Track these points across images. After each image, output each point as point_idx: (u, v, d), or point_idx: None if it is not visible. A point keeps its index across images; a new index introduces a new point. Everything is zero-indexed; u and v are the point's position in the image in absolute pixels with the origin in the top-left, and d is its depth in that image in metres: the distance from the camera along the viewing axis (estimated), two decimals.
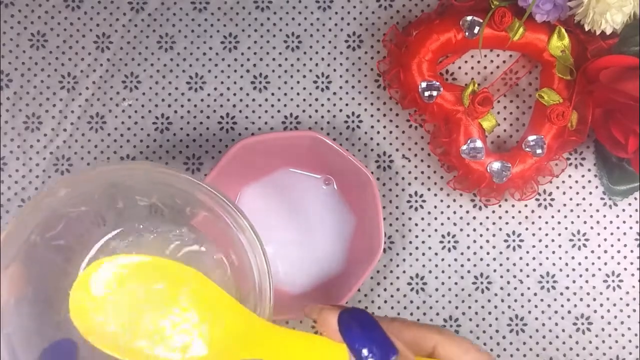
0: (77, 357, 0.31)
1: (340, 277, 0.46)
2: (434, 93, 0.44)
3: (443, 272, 0.48)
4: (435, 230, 0.48)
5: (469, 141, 0.44)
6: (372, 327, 0.29)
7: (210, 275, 0.32)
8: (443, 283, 0.48)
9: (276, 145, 0.44)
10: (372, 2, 0.49)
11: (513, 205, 0.48)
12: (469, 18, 0.44)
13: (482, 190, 0.46)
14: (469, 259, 0.48)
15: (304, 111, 0.48)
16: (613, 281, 0.48)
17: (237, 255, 0.35)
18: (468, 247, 0.48)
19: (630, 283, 0.48)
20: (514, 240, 0.48)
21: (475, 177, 0.45)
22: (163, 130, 0.48)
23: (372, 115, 0.48)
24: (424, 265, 0.48)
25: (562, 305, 0.48)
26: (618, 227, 0.48)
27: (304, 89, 0.48)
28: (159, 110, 0.48)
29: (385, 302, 0.48)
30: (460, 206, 0.48)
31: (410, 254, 0.48)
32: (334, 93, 0.48)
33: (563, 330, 0.48)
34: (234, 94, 0.48)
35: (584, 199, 0.48)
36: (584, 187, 0.49)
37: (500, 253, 0.48)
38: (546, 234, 0.48)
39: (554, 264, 0.48)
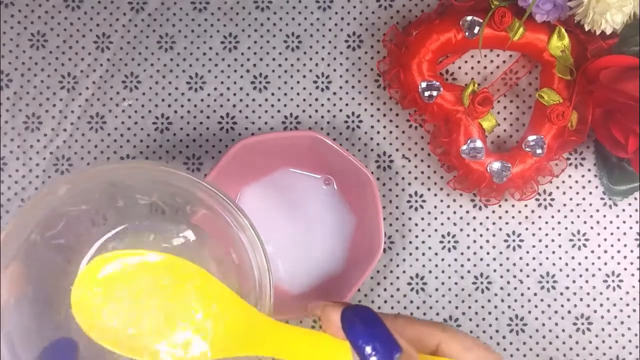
0: (77, 356, 0.31)
1: (340, 277, 0.46)
2: (434, 93, 0.44)
3: (443, 272, 0.48)
4: (435, 230, 0.48)
5: (469, 141, 0.44)
6: (376, 324, 0.28)
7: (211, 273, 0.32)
8: (443, 283, 0.48)
9: (276, 145, 0.44)
10: (372, 2, 0.49)
11: (513, 205, 0.48)
12: (469, 18, 0.44)
13: (482, 190, 0.46)
14: (469, 259, 0.48)
15: (304, 111, 0.48)
16: (613, 281, 0.48)
17: (238, 254, 0.35)
18: (468, 247, 0.48)
19: (630, 283, 0.48)
20: (514, 240, 0.48)
21: (475, 177, 0.45)
22: (163, 130, 0.48)
23: (372, 115, 0.49)
24: (424, 265, 0.48)
25: (562, 305, 0.48)
26: (618, 227, 0.48)
27: (304, 89, 0.48)
28: (159, 110, 0.48)
29: (385, 302, 0.48)
30: (460, 206, 0.48)
31: (410, 254, 0.48)
32: (334, 93, 0.49)
33: (563, 330, 0.48)
34: (234, 94, 0.48)
35: (584, 199, 0.48)
36: (584, 187, 0.49)
37: (500, 253, 0.48)
38: (546, 234, 0.48)
39: (554, 264, 0.48)
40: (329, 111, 0.48)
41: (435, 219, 0.48)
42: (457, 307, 0.48)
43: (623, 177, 0.47)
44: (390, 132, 0.49)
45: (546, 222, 0.48)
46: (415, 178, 0.49)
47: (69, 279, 0.34)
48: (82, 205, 0.36)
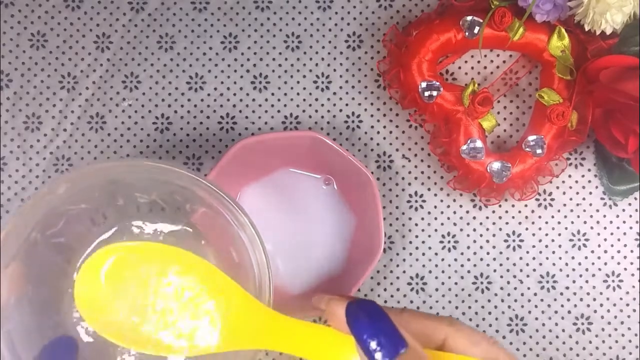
0: (77, 354, 0.31)
1: (340, 277, 0.46)
2: (434, 93, 0.44)
3: (443, 272, 0.48)
4: (435, 230, 0.48)
5: (469, 141, 0.44)
6: (381, 318, 0.28)
7: None
8: (443, 283, 0.48)
9: (276, 145, 0.44)
10: (372, 2, 0.49)
11: (513, 205, 0.48)
12: (469, 18, 0.44)
13: (482, 190, 0.46)
14: (469, 259, 0.48)
15: (304, 111, 0.48)
16: (613, 281, 0.48)
17: (237, 252, 0.35)
18: (468, 247, 0.48)
19: (630, 283, 0.48)
20: (514, 240, 0.48)
21: (475, 177, 0.45)
22: (163, 130, 0.48)
23: (372, 115, 0.48)
24: (424, 265, 0.48)
25: (562, 305, 0.48)
26: (618, 227, 0.48)
27: (304, 89, 0.48)
28: (159, 110, 0.48)
29: (385, 302, 0.48)
30: (460, 206, 0.48)
31: (410, 254, 0.48)
32: (334, 93, 0.49)
33: (563, 330, 0.48)
34: (234, 94, 0.48)
35: (584, 199, 0.48)
36: (584, 187, 0.49)
37: (500, 253, 0.48)
38: (546, 234, 0.48)
39: (554, 264, 0.48)
40: (329, 111, 0.48)
41: (435, 219, 0.48)
42: (457, 307, 0.48)
43: (623, 177, 0.47)
44: (390, 132, 0.49)
45: (546, 222, 0.48)
46: (415, 178, 0.48)
47: (69, 279, 0.34)
48: (81, 204, 0.36)
